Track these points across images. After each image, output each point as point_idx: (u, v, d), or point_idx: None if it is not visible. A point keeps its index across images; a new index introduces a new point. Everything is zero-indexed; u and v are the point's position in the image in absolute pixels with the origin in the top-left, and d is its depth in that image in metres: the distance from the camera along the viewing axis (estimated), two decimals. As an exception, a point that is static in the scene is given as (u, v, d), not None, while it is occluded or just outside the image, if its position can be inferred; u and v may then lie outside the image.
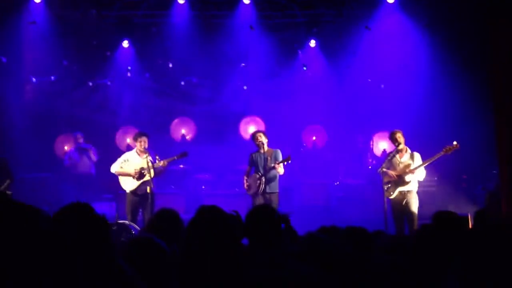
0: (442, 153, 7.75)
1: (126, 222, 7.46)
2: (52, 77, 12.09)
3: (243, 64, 12.24)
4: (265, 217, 3.41)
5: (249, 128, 12.78)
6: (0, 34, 10.46)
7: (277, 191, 8.47)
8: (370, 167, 11.54)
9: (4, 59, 10.95)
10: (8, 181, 7.73)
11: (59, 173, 11.40)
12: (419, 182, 8.06)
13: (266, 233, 3.29)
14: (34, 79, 11.96)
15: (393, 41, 11.22)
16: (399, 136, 7.98)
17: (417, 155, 7.99)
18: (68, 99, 12.17)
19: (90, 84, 12.52)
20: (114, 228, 6.94)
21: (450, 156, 7.89)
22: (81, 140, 11.21)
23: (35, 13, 10.64)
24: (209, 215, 2.86)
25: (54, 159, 11.98)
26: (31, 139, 11.10)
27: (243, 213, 3.62)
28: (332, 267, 2.97)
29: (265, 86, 12.60)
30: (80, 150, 11.16)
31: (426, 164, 7.88)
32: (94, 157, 11.15)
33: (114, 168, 8.37)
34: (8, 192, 7.63)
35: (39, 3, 10.53)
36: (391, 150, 8.43)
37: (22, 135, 10.92)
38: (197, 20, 11.41)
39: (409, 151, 8.05)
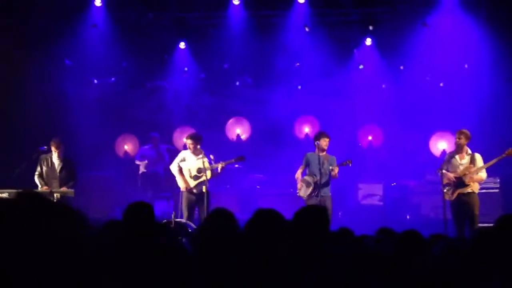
0: (504, 155, 7.50)
1: (183, 220, 7.61)
2: (112, 79, 12.46)
3: (298, 64, 12.20)
4: (315, 217, 3.40)
5: (304, 128, 12.73)
6: (65, 38, 10.87)
7: (330, 194, 8.42)
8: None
9: (67, 62, 11.38)
10: (71, 183, 8.09)
11: (122, 172, 11.74)
12: (480, 184, 7.80)
13: (313, 233, 3.27)
14: (95, 81, 12.36)
15: (452, 38, 10.90)
16: (459, 136, 7.74)
17: (478, 157, 7.74)
18: (128, 100, 12.50)
19: (148, 85, 12.82)
20: (172, 226, 7.09)
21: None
22: (157, 140, 11.47)
23: (96, 16, 11.00)
24: (266, 219, 2.87)
25: (116, 158, 12.33)
26: (93, 139, 11.48)
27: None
28: (382, 271, 2.93)
29: (320, 85, 12.49)
30: (155, 149, 11.41)
31: (487, 166, 7.62)
32: (166, 158, 11.34)
33: (174, 167, 8.59)
34: (71, 190, 7.96)
35: (99, 6, 10.88)
36: (451, 150, 8.20)
37: (86, 135, 11.30)
38: (252, 20, 11.47)
39: (469, 152, 7.80)
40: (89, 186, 10.50)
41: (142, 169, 11.29)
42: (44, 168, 8.04)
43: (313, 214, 3.48)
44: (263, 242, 2.66)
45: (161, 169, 11.29)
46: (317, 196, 8.29)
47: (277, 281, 2.52)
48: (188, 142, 8.49)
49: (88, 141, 11.22)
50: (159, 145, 11.45)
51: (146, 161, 11.23)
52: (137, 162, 11.40)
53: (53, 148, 8.09)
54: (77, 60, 11.48)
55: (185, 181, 8.46)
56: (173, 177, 8.73)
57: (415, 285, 2.87)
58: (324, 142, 8.47)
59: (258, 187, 11.83)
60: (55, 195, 7.78)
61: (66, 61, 11.34)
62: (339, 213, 10.78)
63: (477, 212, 7.56)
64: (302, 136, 12.77)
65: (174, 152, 10.49)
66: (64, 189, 7.92)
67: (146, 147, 11.51)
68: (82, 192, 8.72)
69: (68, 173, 8.12)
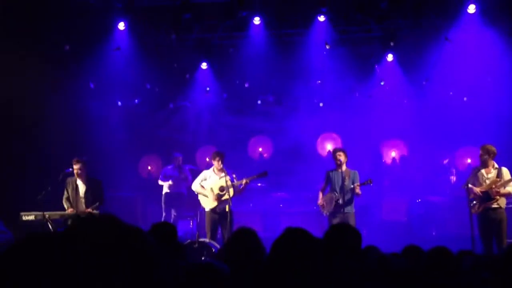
0: (531, 168, 7.35)
1: (206, 240, 7.61)
2: (136, 100, 12.64)
3: (319, 81, 12.22)
4: (346, 236, 3.38)
5: (327, 145, 12.71)
6: (89, 61, 11.08)
7: (354, 210, 8.36)
8: (453, 179, 11.10)
9: (92, 85, 11.58)
10: (97, 204, 8.14)
11: (146, 192, 11.82)
12: (508, 199, 7.66)
13: (345, 252, 3.25)
14: (119, 103, 12.55)
15: (474, 51, 10.79)
16: (484, 151, 7.63)
17: (505, 170, 7.61)
18: (151, 121, 12.65)
19: (172, 105, 12.97)
20: (195, 246, 7.10)
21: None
22: (180, 161, 11.54)
23: (119, 39, 11.20)
24: (295, 237, 2.86)
25: (139, 179, 12.44)
26: (118, 160, 11.61)
27: (319, 232, 3.59)
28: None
29: (342, 102, 12.49)
30: (179, 170, 11.48)
31: (514, 180, 7.48)
32: (189, 178, 11.38)
33: (195, 186, 8.63)
34: (96, 212, 8.01)
35: (123, 30, 11.08)
36: (476, 165, 8.08)
37: (110, 156, 11.44)
38: (273, 39, 11.54)
39: (496, 166, 7.68)
40: (113, 206, 10.58)
41: (165, 189, 11.35)
42: (70, 191, 8.12)
43: (345, 233, 3.46)
44: (293, 261, 2.63)
45: (184, 189, 11.34)
46: (340, 213, 8.24)
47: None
48: (216, 159, 8.52)
49: (112, 162, 11.34)
50: (182, 165, 11.52)
51: (170, 182, 11.30)
52: (160, 183, 11.47)
53: (74, 168, 8.13)
54: (102, 82, 11.67)
55: (208, 200, 8.48)
56: (196, 196, 8.76)
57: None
58: (337, 157, 8.45)
59: (281, 205, 11.80)
60: (82, 216, 7.85)
61: (90, 84, 11.54)
62: (364, 231, 10.66)
63: (504, 227, 7.41)
64: (324, 153, 12.75)
65: (197, 173, 10.56)
66: (88, 210, 7.99)
67: (169, 167, 11.60)
68: (106, 212, 8.78)
69: (94, 194, 8.15)
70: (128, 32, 11.24)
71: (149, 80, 12.18)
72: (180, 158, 11.51)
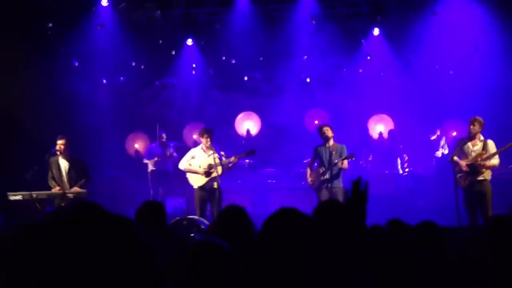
0: (517, 140, 7.43)
1: (195, 217, 7.65)
2: (122, 78, 12.52)
3: (306, 57, 12.17)
4: (332, 213, 3.39)
5: (314, 120, 12.72)
6: (72, 39, 10.92)
7: (342, 185, 8.41)
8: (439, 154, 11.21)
9: (76, 63, 11.44)
10: (83, 180, 8.06)
11: (134, 170, 11.79)
12: (493, 171, 7.75)
13: (334, 229, 3.26)
14: (104, 81, 12.43)
15: (461, 25, 10.80)
16: (476, 123, 7.68)
17: (490, 143, 7.68)
18: (137, 98, 12.56)
19: (158, 83, 12.87)
20: (185, 223, 7.13)
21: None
22: (164, 139, 11.49)
23: (103, 16, 11.04)
24: (288, 217, 2.86)
25: (127, 157, 12.40)
26: (104, 139, 11.54)
27: (308, 207, 3.61)
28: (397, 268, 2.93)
29: (329, 77, 12.47)
30: (163, 147, 11.45)
31: (500, 152, 7.57)
32: (174, 156, 11.38)
33: (183, 165, 8.62)
34: (83, 190, 7.97)
35: (106, 6, 10.91)
36: (462, 137, 8.15)
37: (96, 135, 11.37)
38: (259, 14, 11.44)
39: (482, 138, 7.75)
40: (101, 185, 10.55)
41: (151, 167, 11.34)
42: (54, 171, 8.03)
43: (332, 210, 3.47)
44: (285, 241, 2.63)
45: (170, 166, 11.34)
46: (327, 188, 8.30)
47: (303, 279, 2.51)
48: (204, 136, 8.49)
49: (99, 141, 11.28)
50: (166, 143, 11.48)
51: (155, 159, 11.29)
52: (145, 161, 11.46)
53: (58, 143, 7.98)
54: (86, 60, 11.54)
55: (196, 178, 8.49)
56: (184, 174, 8.76)
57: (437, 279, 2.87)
58: (324, 133, 8.49)
59: (269, 181, 11.84)
60: (68, 195, 7.83)
61: (74, 61, 11.39)
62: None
63: (489, 199, 7.51)
64: (312, 129, 12.76)
65: (183, 149, 10.54)
66: (76, 189, 7.92)
67: (153, 145, 11.58)
68: (94, 192, 8.75)
69: (78, 173, 8.07)
70: (112, 8, 11.08)
71: (134, 57, 12.05)
72: (164, 135, 11.46)
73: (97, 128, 11.35)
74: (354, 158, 8.35)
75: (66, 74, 11.15)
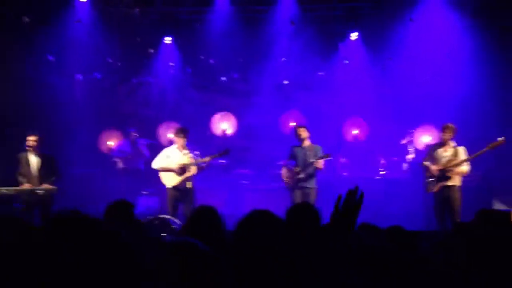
0: (487, 148, 7.59)
1: (168, 216, 7.62)
2: (98, 75, 12.40)
3: (284, 59, 12.23)
4: (305, 215, 3.44)
5: (290, 122, 12.78)
6: (48, 33, 10.78)
7: (316, 186, 8.48)
8: (410, 158, 11.37)
9: (51, 58, 11.30)
10: (53, 178, 7.97)
11: (106, 168, 11.68)
12: (463, 177, 7.89)
13: (305, 231, 3.30)
14: (80, 77, 12.30)
15: (437, 32, 10.97)
16: (449, 130, 7.82)
17: (461, 150, 7.82)
18: (113, 95, 12.46)
19: (134, 80, 12.78)
20: (156, 222, 7.10)
21: (495, 150, 7.70)
22: (135, 136, 11.42)
23: (80, 11, 10.92)
24: (260, 220, 2.88)
25: (101, 155, 12.28)
26: (78, 135, 11.42)
27: (282, 209, 3.64)
28: (376, 269, 2.97)
29: (306, 80, 12.56)
30: (133, 145, 11.37)
31: (470, 159, 7.71)
32: (145, 153, 11.33)
33: (156, 164, 8.57)
34: (53, 187, 7.88)
35: (84, 2, 10.80)
36: (434, 143, 8.28)
37: (70, 131, 11.24)
38: (238, 15, 11.46)
39: (453, 145, 7.89)
40: (73, 183, 10.44)
41: (120, 165, 11.27)
42: (23, 166, 7.92)
43: (302, 213, 3.51)
44: (257, 243, 2.65)
45: (141, 165, 11.28)
46: (301, 188, 8.36)
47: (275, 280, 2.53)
48: (180, 136, 8.47)
49: (73, 137, 11.15)
50: (137, 140, 11.41)
51: (124, 157, 11.23)
52: (115, 159, 11.39)
53: (30, 139, 7.88)
54: (61, 55, 11.40)
55: (169, 177, 8.46)
56: (157, 173, 8.72)
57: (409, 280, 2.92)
58: (299, 133, 8.56)
59: (243, 182, 11.86)
60: (38, 192, 7.73)
61: (49, 56, 11.25)
62: (325, 207, 10.82)
63: (458, 205, 7.65)
64: (287, 130, 12.82)
65: (156, 147, 10.50)
66: (46, 186, 7.83)
67: (123, 142, 11.51)
68: (66, 189, 8.66)
69: (48, 170, 7.97)
70: (90, 4, 10.97)
71: (111, 54, 11.94)
72: (135, 133, 11.39)
73: (70, 124, 11.23)
74: (331, 158, 8.41)
75: (40, 69, 11.00)
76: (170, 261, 2.31)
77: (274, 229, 2.72)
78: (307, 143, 8.58)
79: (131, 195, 10.58)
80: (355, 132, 12.81)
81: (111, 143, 12.27)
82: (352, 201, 2.18)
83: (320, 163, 8.34)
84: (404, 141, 11.64)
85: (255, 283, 2.47)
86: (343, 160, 11.85)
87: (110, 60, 12.06)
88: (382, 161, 11.72)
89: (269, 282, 2.48)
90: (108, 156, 12.06)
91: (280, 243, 2.63)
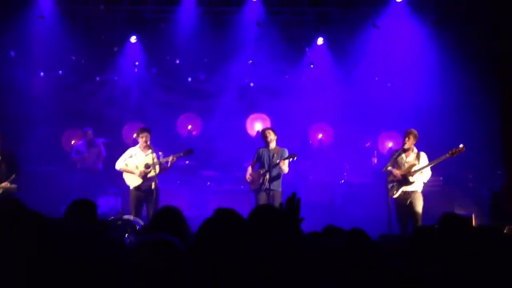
0: (447, 155, 7.73)
1: (131, 217, 7.51)
2: (60, 72, 12.15)
3: (251, 61, 12.23)
4: (268, 217, 3.42)
5: (256, 125, 12.80)
6: (9, 28, 10.51)
7: (280, 189, 8.49)
8: (375, 161, 11.53)
9: (12, 53, 11.03)
10: (14, 176, 7.76)
11: (67, 167, 11.45)
12: (425, 182, 8.04)
13: (268, 233, 3.29)
14: (42, 73, 12.03)
15: (400, 39, 11.17)
16: (411, 135, 7.94)
17: (423, 156, 7.96)
18: (76, 93, 12.23)
19: (98, 79, 12.57)
20: (119, 223, 6.99)
21: (456, 157, 7.86)
22: (91, 135, 11.23)
23: (43, 7, 10.67)
24: (225, 218, 2.86)
25: (62, 153, 12.03)
26: (39, 133, 11.16)
27: (246, 210, 3.62)
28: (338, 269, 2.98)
29: (272, 83, 12.60)
30: (89, 144, 11.18)
31: (431, 165, 7.86)
32: (102, 152, 11.17)
33: (119, 164, 8.43)
34: (13, 186, 7.66)
35: (47, -3, 10.57)
36: (397, 148, 8.41)
37: (31, 129, 10.98)
38: (205, 16, 11.40)
39: (415, 150, 8.02)
40: (34, 181, 10.20)
41: (78, 165, 11.10)
42: None
43: (265, 215, 3.49)
44: (220, 242, 2.63)
45: (99, 165, 11.12)
46: (266, 190, 8.36)
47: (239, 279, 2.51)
48: (142, 136, 8.36)
49: (33, 135, 10.90)
50: (94, 140, 11.23)
51: (81, 157, 11.05)
52: (74, 159, 11.20)
53: None
54: (23, 51, 11.13)
55: (133, 178, 8.34)
56: (118, 172, 8.58)
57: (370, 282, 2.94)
58: (266, 136, 8.57)
59: (208, 183, 11.81)
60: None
61: (10, 52, 10.97)
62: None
63: (420, 210, 7.78)
64: (253, 133, 12.84)
65: (115, 146, 10.37)
66: (6, 184, 7.61)
67: (80, 142, 11.33)
68: (27, 188, 8.44)
69: (9, 167, 7.75)
70: (53, 0, 10.74)
71: (75, 51, 11.71)
72: (91, 132, 11.21)
73: (31, 122, 10.97)
74: (296, 158, 8.41)
75: (1, 64, 10.72)
76: (148, 259, 2.27)
77: (238, 227, 2.71)
78: (273, 145, 8.59)
79: (92, 195, 10.41)
80: (320, 136, 12.93)
81: (74, 141, 12.03)
82: (291, 205, 2.58)
83: (286, 165, 8.35)
84: (368, 144, 11.81)
85: (218, 282, 2.45)
86: (308, 163, 11.93)
87: (73, 58, 11.82)
88: (346, 165, 11.86)
89: (232, 281, 2.47)
90: (69, 155, 11.85)
91: (244, 242, 2.63)
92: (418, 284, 3.01)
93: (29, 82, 11.58)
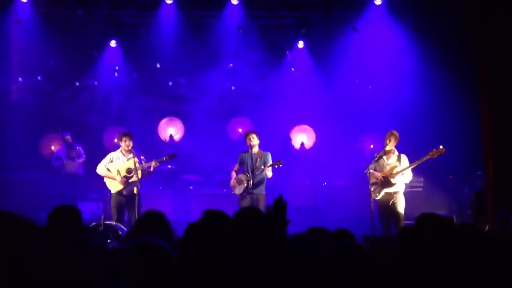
0: (428, 156, 7.82)
1: (113, 223, 7.44)
2: (39, 77, 12.01)
3: (231, 65, 12.23)
4: (251, 219, 3.40)
5: (238, 128, 12.78)
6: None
7: (264, 193, 8.49)
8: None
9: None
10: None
11: (46, 173, 11.30)
12: (406, 183, 8.11)
13: (251, 236, 3.28)
14: (20, 79, 11.87)
15: (380, 43, 11.26)
16: (392, 137, 8.00)
17: (404, 157, 8.04)
18: (55, 99, 12.11)
19: (77, 84, 12.45)
20: (101, 228, 6.91)
21: (436, 158, 7.94)
22: (69, 141, 11.12)
23: (21, 12, 10.53)
24: (214, 219, 2.85)
25: (41, 160, 11.88)
26: (18, 139, 11.01)
27: (229, 214, 3.61)
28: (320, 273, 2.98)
29: (253, 86, 12.61)
30: (68, 150, 11.07)
31: (412, 167, 7.94)
32: (82, 157, 11.07)
33: (100, 169, 8.34)
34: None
35: (25, 2, 10.43)
36: (379, 150, 8.47)
37: (9, 135, 10.82)
38: (185, 20, 11.37)
39: (396, 153, 8.09)
40: (13, 188, 10.05)
41: (60, 172, 10.98)
42: None
43: (251, 217, 3.48)
44: (211, 243, 2.63)
45: (79, 170, 11.01)
46: (250, 194, 8.35)
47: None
48: (123, 140, 8.28)
49: (12, 141, 10.74)
50: (73, 145, 11.11)
51: (61, 163, 10.94)
52: (54, 166, 11.08)
53: None
54: (0, 57, 10.96)
55: (114, 183, 8.25)
56: (100, 177, 8.49)
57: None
58: (249, 140, 8.56)
59: (191, 188, 11.75)
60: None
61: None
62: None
63: (402, 210, 7.85)
64: (235, 137, 12.82)
65: (92, 152, 10.33)
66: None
67: (59, 148, 11.21)
68: (5, 195, 8.31)
69: None
70: (31, 4, 10.61)
71: (54, 56, 11.58)
72: (69, 137, 11.09)
73: (10, 127, 10.81)
74: (281, 165, 8.43)
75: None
76: (137, 263, 2.25)
77: (226, 229, 2.72)
78: (256, 149, 8.58)
79: (73, 201, 10.28)
80: (302, 139, 12.96)
81: (54, 147, 11.89)
82: (278, 208, 2.69)
83: (269, 170, 8.36)
84: (372, 147, 11.82)
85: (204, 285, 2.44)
86: (290, 166, 11.94)
87: (52, 63, 11.69)
88: (329, 167, 11.91)
89: (218, 284, 2.46)
90: (49, 162, 11.70)
91: (232, 245, 2.63)
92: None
93: (8, 88, 11.42)
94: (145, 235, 3.34)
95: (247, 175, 8.46)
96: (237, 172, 8.69)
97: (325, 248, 3.53)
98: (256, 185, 8.39)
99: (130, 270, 2.27)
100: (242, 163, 8.63)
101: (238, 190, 8.51)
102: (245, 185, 8.42)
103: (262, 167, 8.37)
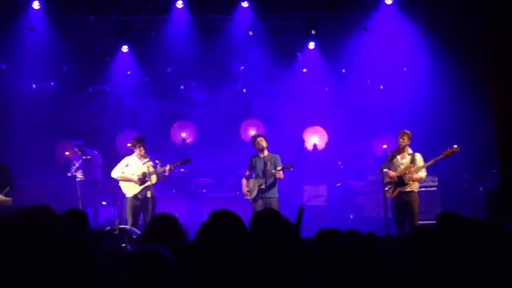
0: (442, 156, 7.78)
1: (127, 226, 7.48)
2: (52, 83, 12.12)
3: (242, 67, 12.24)
4: (270, 221, 3.40)
5: (250, 131, 12.79)
6: (0, 41, 10.48)
7: (277, 195, 8.49)
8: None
9: (3, 66, 10.98)
10: (8, 188, 7.71)
11: (61, 179, 11.38)
12: (420, 183, 8.06)
13: (270, 238, 3.27)
14: (34, 86, 11.98)
15: (391, 42, 11.21)
16: (405, 136, 7.98)
17: (418, 156, 7.99)
18: (69, 105, 12.19)
19: (90, 89, 12.54)
20: (116, 233, 6.96)
21: (450, 158, 7.90)
22: (83, 147, 11.10)
23: (34, 19, 10.64)
24: (222, 219, 2.85)
25: (55, 165, 11.98)
26: (32, 145, 11.11)
27: (242, 217, 3.61)
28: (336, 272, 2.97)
29: (265, 88, 12.61)
30: (84, 157, 11.08)
31: (426, 166, 7.89)
32: (99, 162, 11.06)
33: (115, 173, 8.41)
34: (8, 199, 7.62)
35: (38, 9, 10.54)
36: (392, 150, 8.42)
37: (24, 141, 10.92)
38: (196, 24, 11.41)
39: (410, 151, 8.05)
40: (29, 194, 10.13)
41: (79, 177, 11.01)
42: None
43: (268, 219, 3.48)
44: (221, 243, 2.62)
45: (98, 175, 11.03)
46: (262, 198, 8.34)
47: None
48: (137, 146, 8.35)
49: (27, 148, 10.84)
50: (86, 151, 11.12)
51: (80, 170, 10.97)
52: (73, 172, 11.12)
53: None
54: (14, 64, 11.09)
55: (130, 187, 8.31)
56: (115, 182, 8.54)
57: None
58: (258, 143, 8.56)
59: (204, 191, 11.78)
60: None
61: (2, 65, 10.94)
62: (286, 216, 10.83)
63: (416, 210, 7.81)
64: (248, 139, 12.82)
65: (106, 156, 10.37)
66: (0, 197, 7.57)
67: (75, 156, 11.25)
68: (22, 201, 8.39)
69: (2, 180, 7.72)
70: (44, 11, 10.71)
71: (66, 62, 11.67)
72: (82, 144, 11.09)
73: (24, 134, 10.91)
74: (292, 168, 8.43)
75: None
76: (134, 270, 2.26)
77: (237, 229, 2.71)
78: (265, 152, 8.59)
79: (88, 206, 10.35)
80: (315, 140, 12.93)
81: (68, 153, 11.94)
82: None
83: (281, 174, 8.36)
84: (385, 146, 11.76)
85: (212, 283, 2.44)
86: (303, 167, 11.93)
87: (65, 69, 11.78)
88: (341, 168, 11.87)
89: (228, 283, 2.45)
90: (66, 167, 11.77)
91: (244, 246, 2.63)
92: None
93: (22, 94, 11.54)
94: (156, 238, 3.36)
95: (259, 179, 8.47)
96: (248, 178, 8.69)
97: (335, 248, 3.51)
98: (268, 188, 8.39)
99: (127, 277, 2.28)
100: (253, 168, 8.64)
101: (251, 196, 8.52)
102: (257, 189, 8.43)
103: (273, 171, 8.37)
